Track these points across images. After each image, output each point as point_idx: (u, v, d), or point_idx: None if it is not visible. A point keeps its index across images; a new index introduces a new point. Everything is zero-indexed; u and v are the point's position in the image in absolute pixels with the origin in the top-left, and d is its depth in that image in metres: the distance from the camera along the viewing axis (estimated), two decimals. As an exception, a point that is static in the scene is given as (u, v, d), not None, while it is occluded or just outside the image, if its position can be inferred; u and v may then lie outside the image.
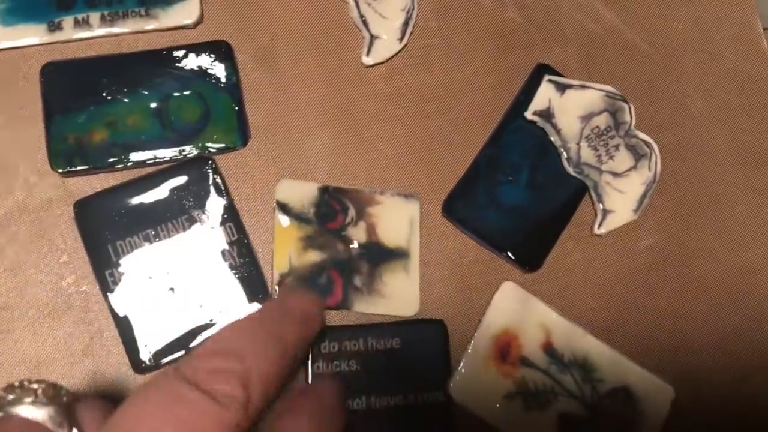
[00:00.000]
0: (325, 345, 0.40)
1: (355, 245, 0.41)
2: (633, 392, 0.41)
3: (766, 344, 0.43)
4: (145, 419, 0.20)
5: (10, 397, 0.22)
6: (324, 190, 0.41)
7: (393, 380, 0.40)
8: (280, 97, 0.42)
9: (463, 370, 0.40)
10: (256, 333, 0.23)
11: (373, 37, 0.42)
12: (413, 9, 0.43)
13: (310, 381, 0.39)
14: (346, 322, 0.41)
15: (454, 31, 0.44)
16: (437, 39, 0.44)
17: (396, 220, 0.42)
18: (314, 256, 0.41)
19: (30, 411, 0.22)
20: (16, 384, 0.22)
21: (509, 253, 0.42)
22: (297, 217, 0.41)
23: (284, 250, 0.41)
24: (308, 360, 0.39)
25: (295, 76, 0.43)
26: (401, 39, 0.43)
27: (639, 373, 0.41)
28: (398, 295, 0.41)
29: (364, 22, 0.42)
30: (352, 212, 0.41)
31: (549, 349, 0.41)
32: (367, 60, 0.43)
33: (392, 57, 0.43)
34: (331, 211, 0.41)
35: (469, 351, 0.41)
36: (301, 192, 0.41)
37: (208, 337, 0.24)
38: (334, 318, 0.41)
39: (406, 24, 0.43)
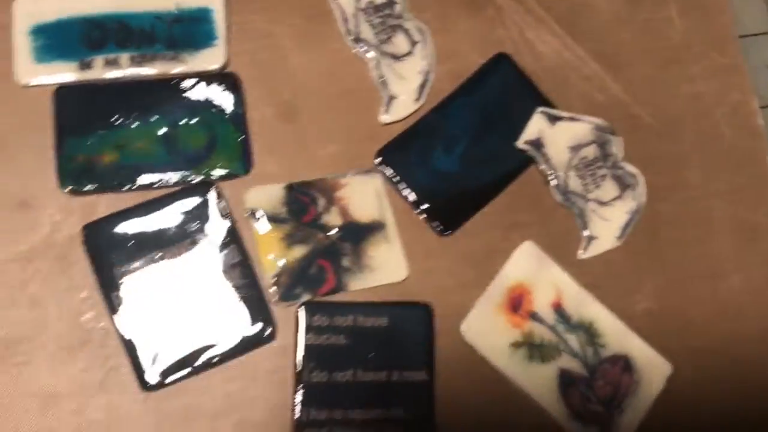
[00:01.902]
0: (316, 318, 0.42)
1: (334, 230, 0.43)
2: (632, 362, 0.44)
3: (765, 410, 0.45)
4: None
5: None
6: (290, 188, 0.43)
7: (379, 357, 0.42)
8: (299, 150, 0.44)
9: (475, 312, 0.43)
10: None
11: (391, 97, 0.45)
12: (431, 71, 0.45)
13: (298, 358, 0.41)
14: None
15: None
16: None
17: (364, 196, 0.44)
18: (299, 251, 0.42)
19: None
20: None
21: (424, 208, 0.44)
22: (272, 219, 0.43)
23: (270, 253, 0.42)
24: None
25: (314, 131, 0.45)
26: (418, 99, 0.45)
27: (641, 346, 0.44)
28: (386, 265, 0.43)
29: (384, 82, 0.45)
30: (321, 201, 0.43)
31: (558, 308, 0.44)
32: (385, 118, 0.45)
33: (409, 116, 0.45)
34: (302, 206, 0.43)
35: (483, 296, 0.43)
36: (269, 195, 0.43)
37: None
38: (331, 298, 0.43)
39: (423, 85, 0.45)
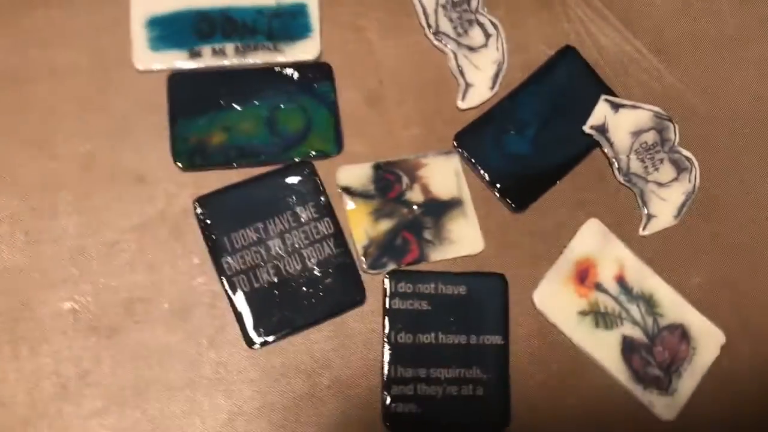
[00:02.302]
0: (401, 285, 0.46)
1: (417, 206, 0.47)
2: (688, 331, 0.48)
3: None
4: None
5: None
6: (377, 167, 0.47)
7: (458, 322, 0.46)
8: (384, 132, 0.48)
9: (545, 282, 0.47)
10: None
11: (468, 85, 0.49)
12: (504, 62, 0.49)
13: (386, 321, 0.45)
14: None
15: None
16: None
17: (443, 175, 0.48)
18: (386, 225, 0.47)
19: None
20: None
21: (498, 187, 0.48)
22: (361, 195, 0.47)
23: (360, 226, 0.47)
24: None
25: (397, 115, 0.49)
26: (492, 87, 0.49)
27: (696, 317, 0.48)
28: (464, 238, 0.47)
29: (461, 72, 0.49)
30: (405, 179, 0.47)
31: (621, 281, 0.47)
32: (462, 104, 0.49)
33: (484, 102, 0.49)
34: (387, 183, 0.47)
35: (553, 268, 0.47)
36: (358, 173, 0.47)
37: None
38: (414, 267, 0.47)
39: (497, 75, 0.49)
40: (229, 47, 0.47)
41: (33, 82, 0.46)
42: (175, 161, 0.46)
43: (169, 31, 0.47)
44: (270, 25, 0.47)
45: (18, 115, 0.46)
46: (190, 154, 0.46)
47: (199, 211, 0.45)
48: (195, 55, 0.47)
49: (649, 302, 0.48)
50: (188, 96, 0.46)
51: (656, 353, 0.47)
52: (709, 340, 0.48)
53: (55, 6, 0.47)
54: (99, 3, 0.47)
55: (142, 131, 0.46)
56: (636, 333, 0.47)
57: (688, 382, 0.47)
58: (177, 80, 0.46)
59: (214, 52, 0.47)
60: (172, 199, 0.46)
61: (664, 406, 0.47)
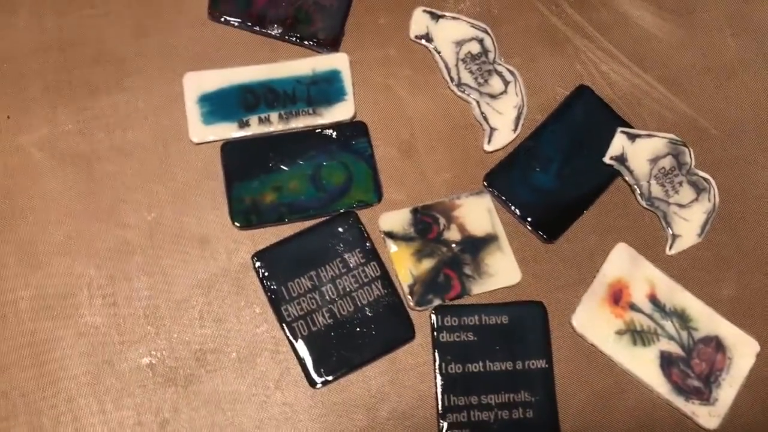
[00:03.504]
0: (447, 319, 0.49)
1: (455, 244, 0.51)
2: (723, 342, 0.50)
3: None
4: None
5: None
6: (415, 211, 0.51)
7: (503, 349, 0.49)
8: (419, 179, 0.53)
9: (582, 306, 0.50)
10: None
11: (492, 129, 0.53)
12: (523, 106, 0.53)
13: (435, 354, 0.49)
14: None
15: (555, 124, 0.54)
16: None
17: (477, 213, 0.52)
18: (428, 264, 0.50)
19: None
20: None
21: (529, 221, 0.51)
22: (403, 238, 0.51)
23: (404, 267, 0.50)
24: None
25: (430, 162, 0.53)
26: (515, 129, 0.53)
27: (729, 328, 0.51)
28: (502, 271, 0.51)
29: (485, 118, 0.53)
30: (442, 220, 0.51)
31: (653, 299, 0.50)
32: (488, 147, 0.53)
33: (508, 144, 0.53)
34: (426, 226, 0.51)
35: (588, 292, 0.51)
36: (398, 218, 0.51)
37: None
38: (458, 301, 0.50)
39: (518, 117, 0.53)
40: (274, 115, 0.52)
41: (101, 162, 0.52)
42: (232, 221, 0.50)
43: (219, 105, 0.52)
44: (308, 93, 0.52)
45: (90, 193, 0.51)
46: (246, 214, 0.50)
47: (257, 264, 0.50)
48: (244, 125, 0.52)
49: (682, 317, 0.50)
50: (240, 162, 0.51)
51: (694, 365, 0.50)
52: (744, 349, 0.50)
53: (116, 93, 0.53)
54: (155, 87, 0.53)
55: (202, 197, 0.51)
56: (673, 347, 0.50)
57: (728, 391, 0.50)
58: (229, 149, 0.51)
59: (261, 121, 0.52)
60: (232, 256, 0.50)
61: (707, 416, 0.49)
